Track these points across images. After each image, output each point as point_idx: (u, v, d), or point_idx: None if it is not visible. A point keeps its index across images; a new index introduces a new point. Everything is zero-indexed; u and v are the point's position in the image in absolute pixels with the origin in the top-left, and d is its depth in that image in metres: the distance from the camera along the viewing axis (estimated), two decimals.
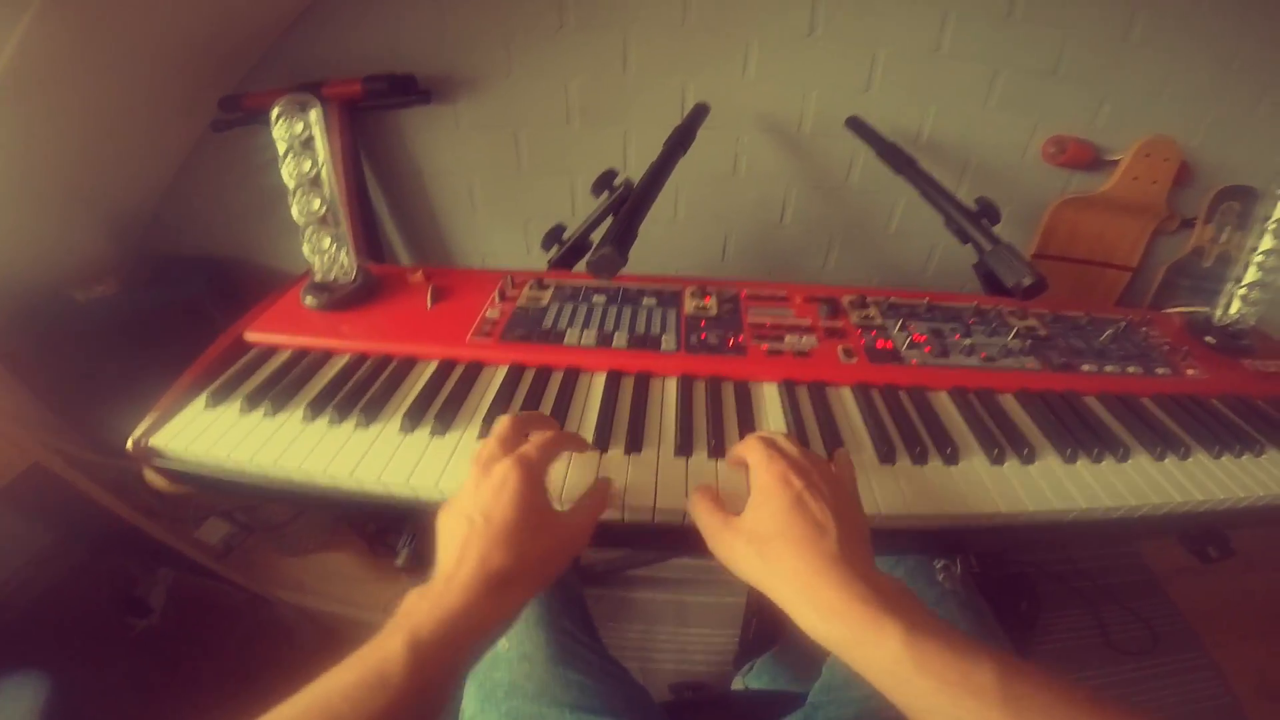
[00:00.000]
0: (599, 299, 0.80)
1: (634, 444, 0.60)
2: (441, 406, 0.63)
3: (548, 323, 0.75)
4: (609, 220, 0.88)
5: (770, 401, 0.67)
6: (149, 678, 1.19)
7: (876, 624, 0.36)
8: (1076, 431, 0.64)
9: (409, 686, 0.36)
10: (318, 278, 0.79)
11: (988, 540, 0.64)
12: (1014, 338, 0.77)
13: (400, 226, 1.45)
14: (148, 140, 1.27)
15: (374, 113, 1.26)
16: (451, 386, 0.67)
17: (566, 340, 0.72)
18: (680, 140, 0.93)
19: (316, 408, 0.63)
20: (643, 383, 0.68)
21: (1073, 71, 1.17)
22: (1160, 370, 0.76)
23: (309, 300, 0.78)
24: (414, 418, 0.61)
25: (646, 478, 0.57)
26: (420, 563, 0.65)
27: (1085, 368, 0.74)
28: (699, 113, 1.06)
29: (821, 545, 0.41)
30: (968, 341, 0.75)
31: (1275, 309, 0.81)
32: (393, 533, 1.43)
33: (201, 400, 0.65)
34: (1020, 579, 1.34)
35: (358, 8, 1.17)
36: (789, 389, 0.67)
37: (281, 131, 0.71)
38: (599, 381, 0.68)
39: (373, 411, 0.62)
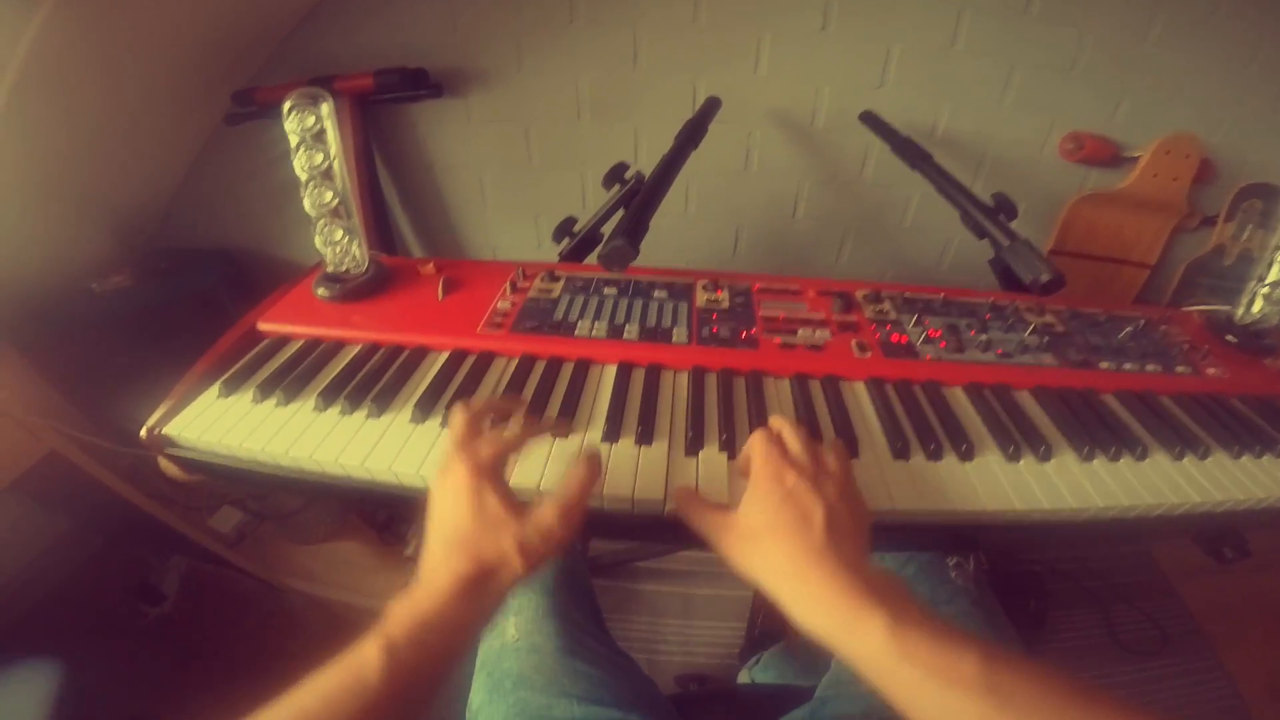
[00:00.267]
0: (610, 291, 0.80)
1: (645, 436, 0.59)
2: (452, 397, 0.63)
3: (559, 314, 0.75)
4: (620, 213, 0.88)
5: (783, 395, 0.67)
6: (162, 664, 1.21)
7: (861, 615, 0.37)
8: (1094, 429, 0.63)
9: (385, 690, 0.37)
10: (330, 269, 0.79)
11: (1002, 537, 0.64)
12: (1031, 334, 0.76)
13: (412, 219, 1.45)
14: (162, 135, 1.29)
15: (386, 106, 1.27)
16: (462, 377, 0.67)
17: (578, 332, 0.72)
18: (692, 134, 0.92)
19: (328, 398, 0.63)
20: (654, 375, 0.67)
21: (1091, 68, 1.15)
22: (1180, 368, 0.74)
23: (321, 291, 0.78)
24: (425, 408, 0.61)
25: (657, 470, 0.56)
26: None
27: (1103, 365, 0.73)
28: (711, 107, 1.05)
29: (808, 538, 0.41)
30: (984, 337, 0.74)
31: None
32: (402, 522, 1.44)
33: (214, 390, 0.65)
34: (1030, 577, 1.33)
35: (370, 2, 1.17)
36: (801, 383, 0.67)
37: (293, 125, 0.71)
38: (610, 373, 0.68)
39: (384, 401, 0.62)
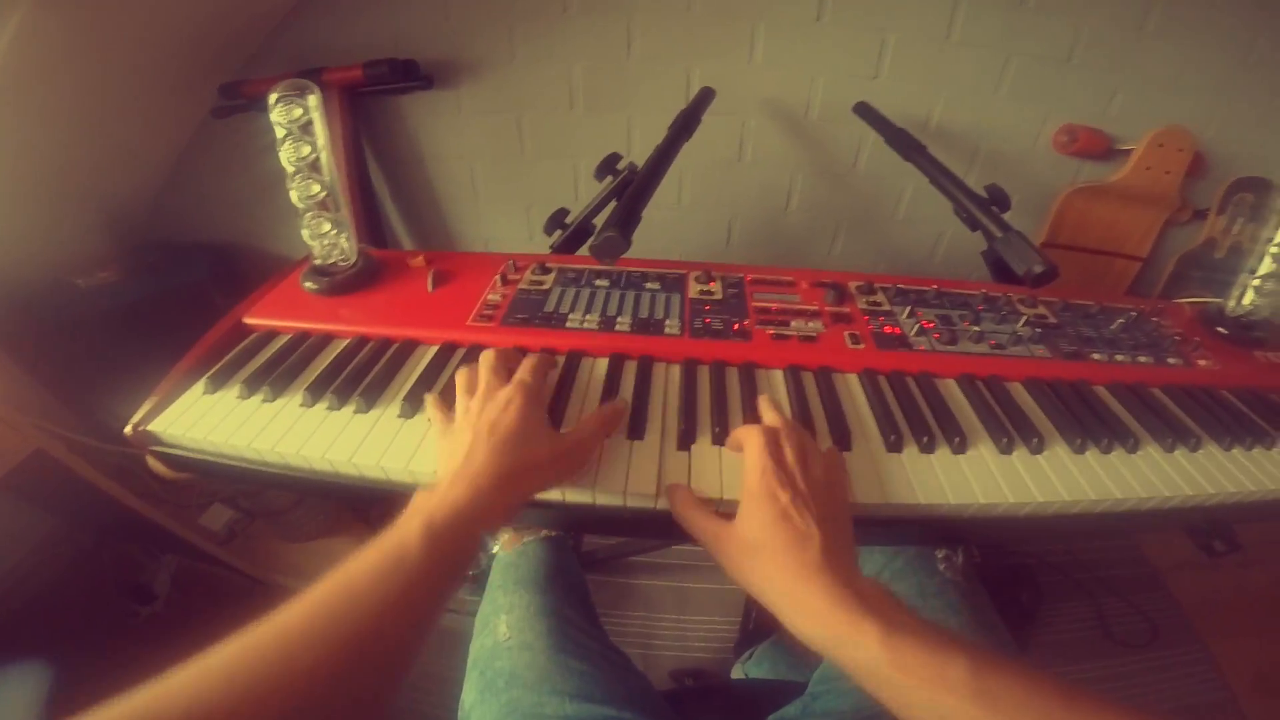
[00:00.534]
0: (602, 283, 0.79)
1: (636, 430, 0.59)
2: (442, 391, 0.62)
3: (550, 307, 0.74)
4: (612, 205, 0.87)
5: (776, 387, 0.66)
6: (154, 664, 1.20)
7: (856, 626, 0.38)
8: (1086, 421, 0.63)
9: (424, 567, 0.41)
10: (317, 262, 0.78)
11: (994, 530, 0.63)
12: (1023, 325, 0.76)
13: (402, 211, 1.44)
14: (148, 128, 1.27)
15: (376, 98, 1.26)
16: (452, 370, 0.66)
17: (569, 324, 0.71)
18: (685, 124, 0.92)
19: (315, 392, 0.62)
20: (646, 367, 0.67)
21: (1086, 60, 1.15)
22: (1171, 360, 0.74)
23: (309, 284, 0.77)
24: (413, 403, 0.61)
25: (649, 464, 0.56)
26: None
27: (1095, 356, 0.73)
28: (704, 97, 1.04)
29: (805, 556, 0.42)
30: (976, 328, 0.74)
31: None
32: (395, 519, 1.43)
33: (200, 385, 0.64)
34: (1021, 570, 1.34)
35: None
36: (794, 374, 0.66)
37: (280, 116, 0.70)
38: (601, 366, 0.67)
39: (372, 396, 0.62)
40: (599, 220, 0.88)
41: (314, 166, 0.73)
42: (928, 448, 0.59)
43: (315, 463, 0.57)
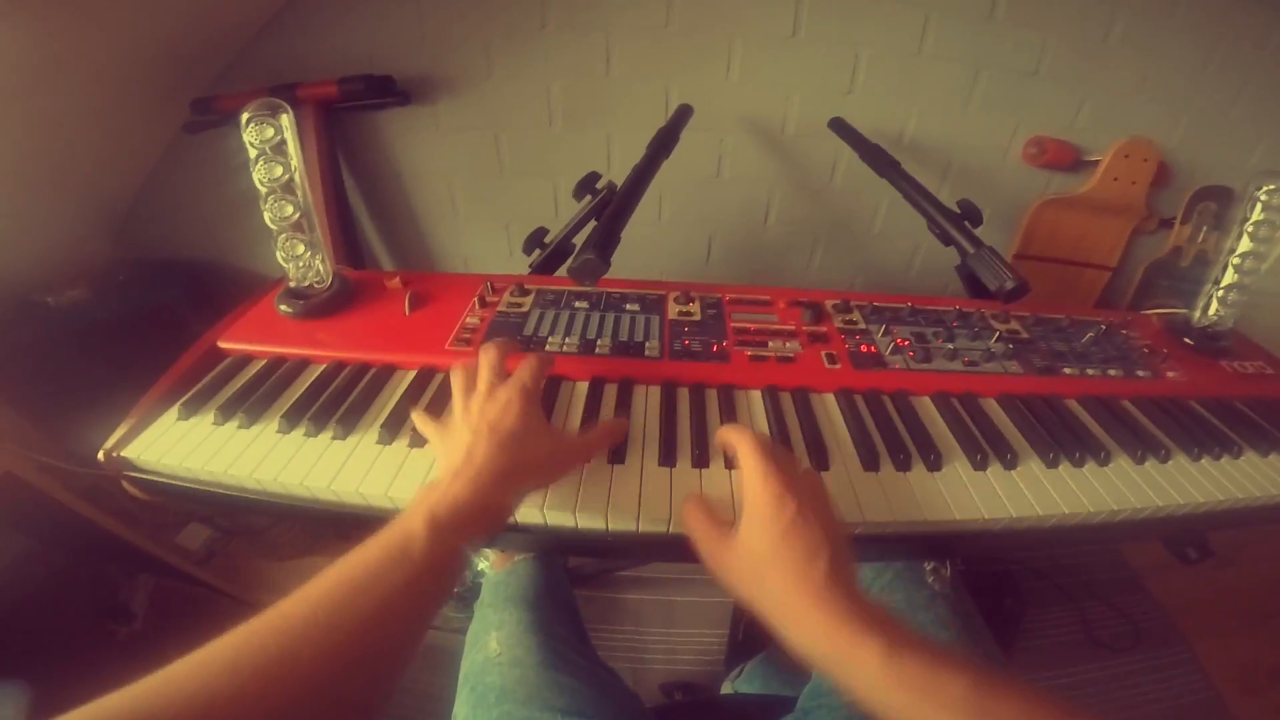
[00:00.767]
0: (581, 305, 0.79)
1: (616, 454, 0.59)
2: (426, 408, 0.62)
3: (529, 329, 0.74)
4: (592, 224, 0.87)
5: (754, 408, 0.67)
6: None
7: (858, 644, 0.38)
8: (1058, 435, 0.64)
9: (427, 561, 0.41)
10: (292, 284, 0.77)
11: (972, 545, 0.64)
12: (996, 341, 0.77)
13: (380, 230, 1.43)
14: (118, 142, 1.25)
15: (352, 114, 1.25)
16: (431, 396, 0.66)
17: (548, 347, 0.71)
18: (664, 142, 0.92)
19: (292, 419, 0.61)
20: (626, 390, 0.67)
21: (1054, 72, 1.18)
22: (1140, 372, 0.76)
23: (283, 308, 0.76)
24: (391, 429, 0.60)
25: (630, 488, 0.56)
26: None
27: (1067, 371, 0.74)
28: (682, 114, 1.05)
29: (811, 573, 0.41)
30: (950, 345, 0.75)
31: (1253, 310, 0.82)
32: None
33: (174, 411, 0.63)
34: (1004, 576, 1.35)
35: (335, 9, 1.15)
36: (772, 395, 0.67)
37: (252, 136, 0.69)
38: (581, 390, 0.67)
39: (349, 423, 0.61)
40: (578, 240, 0.88)
41: (287, 187, 0.72)
42: (903, 466, 0.59)
43: (293, 489, 0.57)
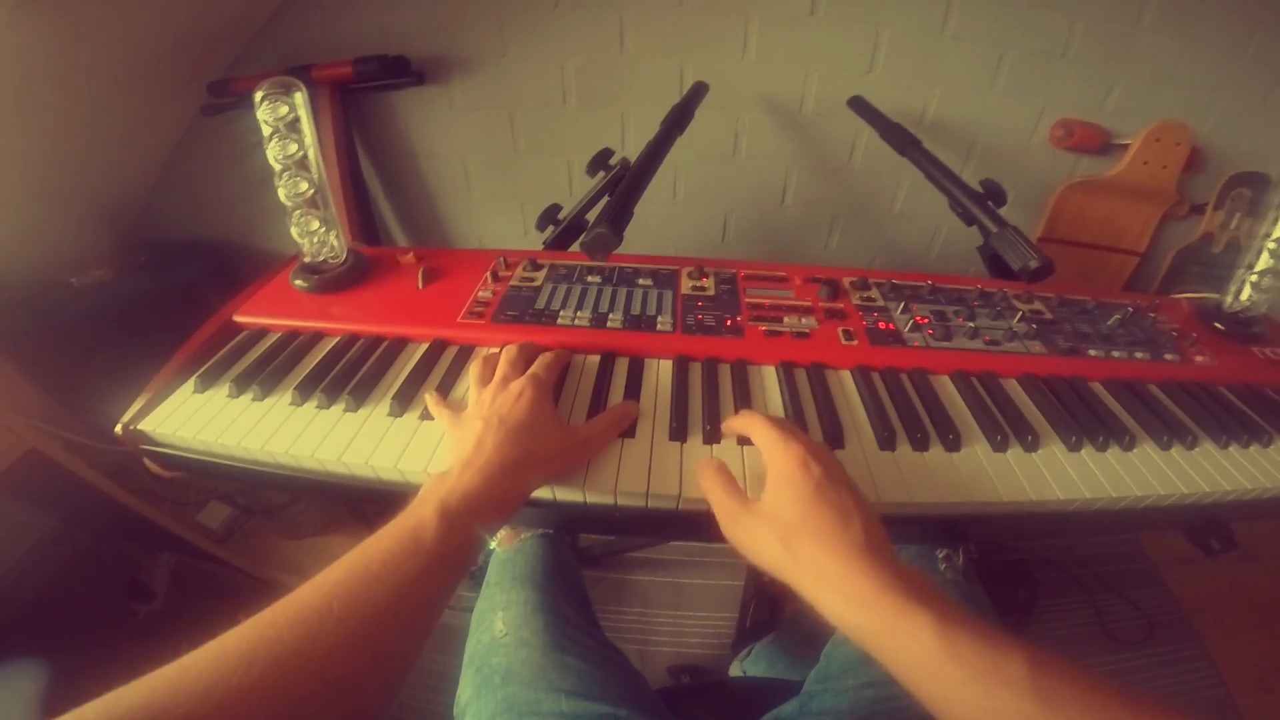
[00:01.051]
0: (594, 279, 0.78)
1: (629, 428, 0.58)
2: (438, 387, 0.62)
3: (541, 303, 0.73)
4: (605, 200, 0.86)
5: (768, 384, 0.66)
6: (153, 662, 1.20)
7: (907, 613, 0.36)
8: (1081, 418, 0.62)
9: (439, 551, 0.42)
10: (307, 259, 0.77)
11: (990, 528, 0.63)
12: (1019, 321, 0.75)
13: (396, 208, 1.43)
14: (137, 127, 1.26)
15: (367, 94, 1.25)
16: (444, 369, 0.65)
17: (560, 321, 0.71)
18: (678, 119, 0.91)
19: (305, 391, 0.62)
20: (637, 364, 0.66)
21: (1082, 55, 1.14)
22: (1168, 356, 0.74)
23: (298, 282, 0.77)
24: (403, 401, 0.60)
25: (639, 463, 0.55)
26: None
27: (1091, 353, 0.72)
28: (698, 91, 1.04)
29: (847, 535, 0.40)
30: (971, 324, 0.73)
31: None
32: (392, 516, 1.43)
33: (190, 384, 0.64)
34: (1018, 566, 1.34)
35: None
36: (787, 371, 0.66)
37: (266, 114, 0.69)
38: (593, 363, 0.67)
39: (361, 394, 0.61)
40: (592, 216, 0.87)
41: (301, 164, 0.72)
42: (921, 445, 0.58)
43: (304, 461, 0.57)
